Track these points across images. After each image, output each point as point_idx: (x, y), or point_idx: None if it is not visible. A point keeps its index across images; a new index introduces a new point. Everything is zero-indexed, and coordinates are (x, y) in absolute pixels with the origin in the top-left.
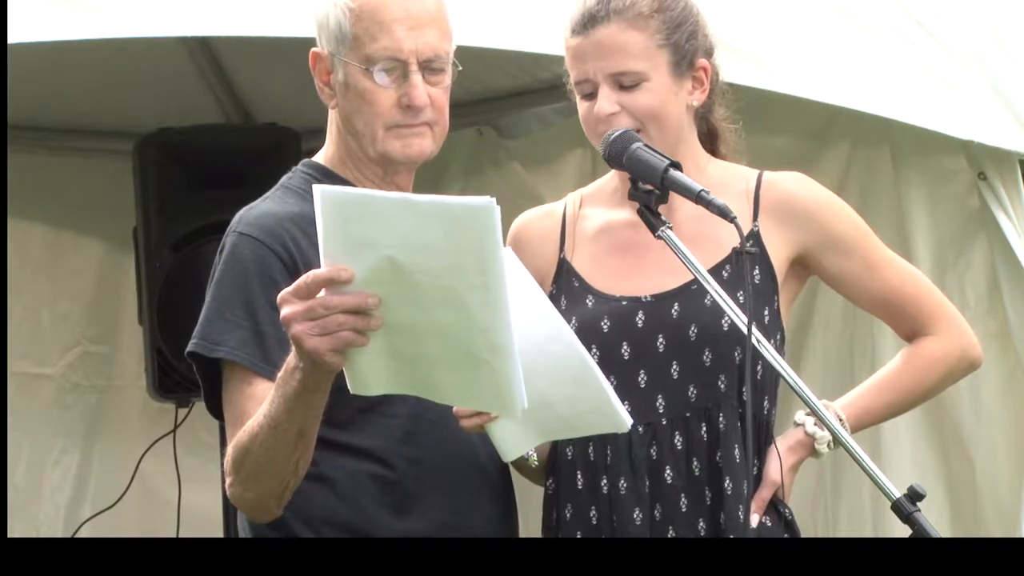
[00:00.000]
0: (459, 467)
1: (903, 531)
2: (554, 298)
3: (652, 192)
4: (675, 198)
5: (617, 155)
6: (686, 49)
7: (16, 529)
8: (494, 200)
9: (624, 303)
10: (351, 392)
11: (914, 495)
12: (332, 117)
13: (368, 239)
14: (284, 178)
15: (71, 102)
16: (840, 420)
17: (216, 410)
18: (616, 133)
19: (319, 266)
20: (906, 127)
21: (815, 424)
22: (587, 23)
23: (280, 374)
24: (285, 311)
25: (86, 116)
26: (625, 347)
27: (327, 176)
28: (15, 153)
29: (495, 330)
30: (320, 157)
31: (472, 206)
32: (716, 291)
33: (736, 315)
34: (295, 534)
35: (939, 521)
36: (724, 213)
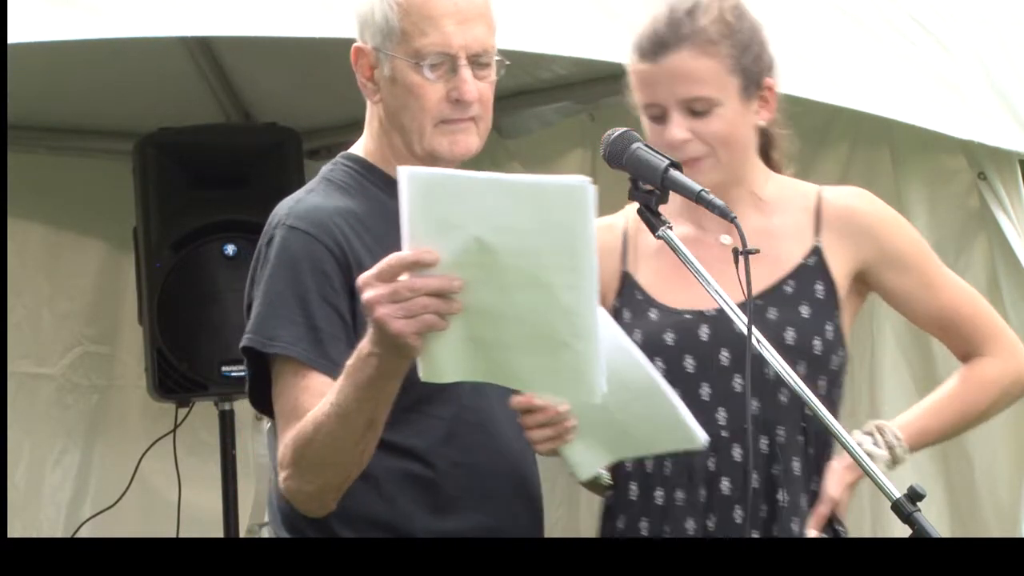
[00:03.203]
0: (498, 472)
1: (903, 531)
2: (617, 311)
3: (652, 192)
4: (737, 213)
5: (617, 155)
6: (754, 71)
7: (16, 529)
8: (589, 180)
9: (688, 316)
10: (422, 379)
11: (914, 495)
12: (373, 112)
13: (455, 220)
14: (325, 170)
15: (71, 102)
16: (898, 440)
17: (261, 404)
18: (616, 133)
19: (368, 262)
20: (906, 127)
21: (873, 443)
22: (657, 50)
23: (351, 362)
24: (368, 294)
25: (86, 116)
26: (689, 360)
27: (369, 170)
28: (15, 153)
29: (581, 312)
30: (359, 150)
31: (567, 185)
32: (716, 291)
33: (737, 316)
34: (335, 532)
35: (939, 521)
36: (724, 213)
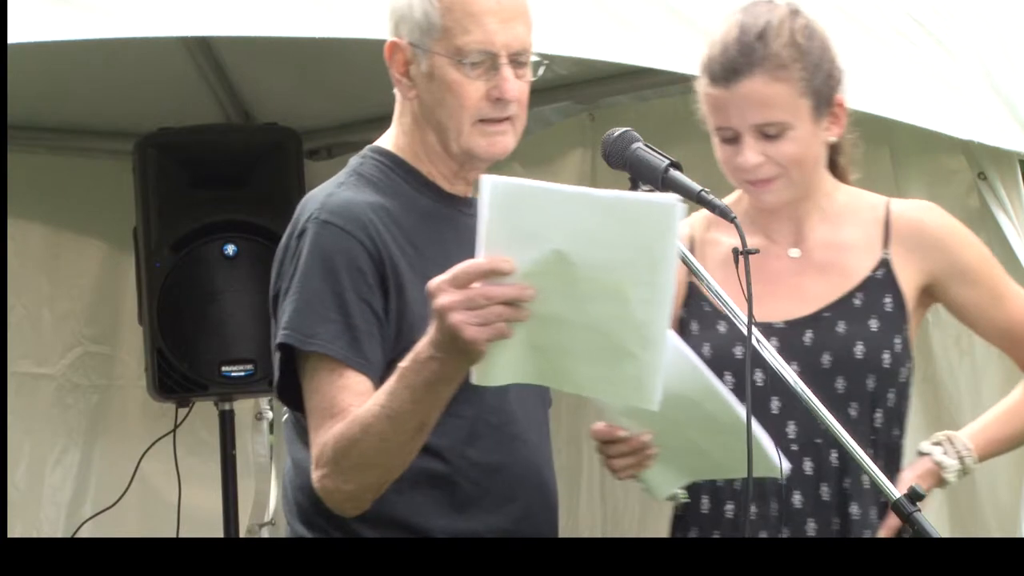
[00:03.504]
0: (518, 475)
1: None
2: (684, 322)
3: (652, 192)
4: (805, 226)
5: (617, 155)
6: (825, 91)
7: (16, 529)
8: (678, 198)
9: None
10: (473, 383)
11: (914, 495)
12: (405, 108)
13: (536, 231)
14: (354, 163)
15: (71, 102)
16: (968, 450)
17: (291, 399)
18: (616, 133)
19: (399, 259)
20: (906, 127)
21: (943, 453)
22: (729, 76)
23: (406, 365)
24: (442, 299)
25: (86, 116)
26: (759, 373)
27: (399, 165)
28: (15, 153)
29: (652, 325)
30: (388, 144)
31: (657, 203)
32: (717, 292)
33: (738, 318)
34: (353, 530)
35: (939, 521)
36: (725, 214)
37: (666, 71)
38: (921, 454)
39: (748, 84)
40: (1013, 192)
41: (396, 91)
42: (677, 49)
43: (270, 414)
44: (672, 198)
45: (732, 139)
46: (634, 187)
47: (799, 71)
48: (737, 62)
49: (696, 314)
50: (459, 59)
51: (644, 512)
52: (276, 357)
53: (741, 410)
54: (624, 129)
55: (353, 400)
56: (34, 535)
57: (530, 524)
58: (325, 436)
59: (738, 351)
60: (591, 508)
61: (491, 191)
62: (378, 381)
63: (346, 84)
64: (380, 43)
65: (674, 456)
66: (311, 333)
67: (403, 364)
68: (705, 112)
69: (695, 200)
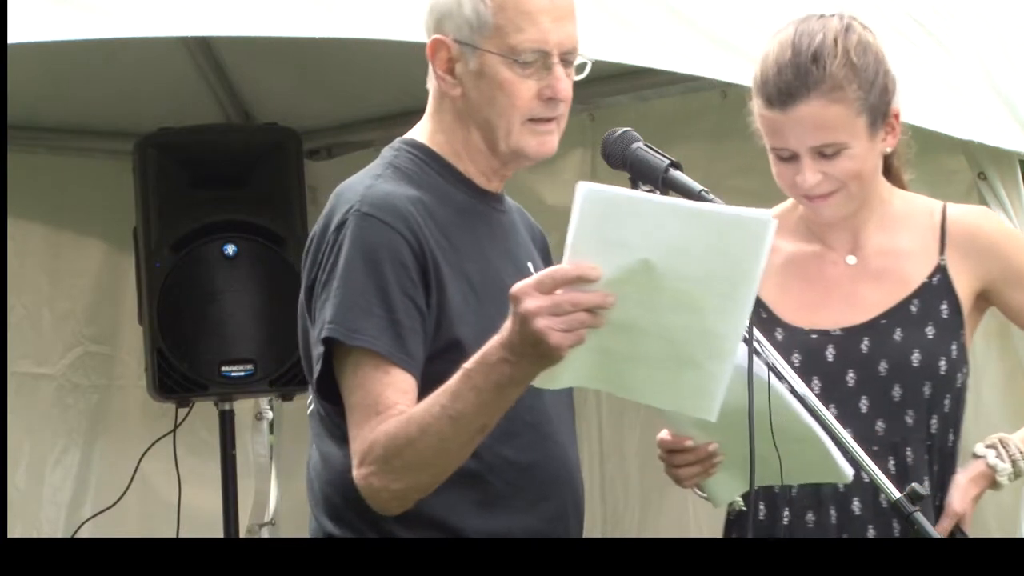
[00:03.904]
0: (550, 474)
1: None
2: None
3: (652, 192)
4: (862, 234)
5: (617, 155)
6: (881, 106)
7: (16, 529)
8: (772, 214)
9: (814, 336)
10: (536, 386)
11: (914, 495)
12: (444, 105)
13: (625, 240)
14: (388, 156)
15: (71, 102)
16: (1021, 453)
17: (329, 394)
18: (616, 133)
19: (438, 253)
20: (906, 127)
21: (996, 456)
22: (785, 99)
23: (473, 367)
24: (529, 304)
25: (86, 116)
26: (815, 381)
27: (434, 159)
28: (15, 153)
29: (725, 338)
30: (423, 138)
31: (752, 218)
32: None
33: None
34: (385, 528)
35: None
36: None
37: (666, 71)
38: (975, 457)
39: (804, 108)
40: (1013, 192)
41: (431, 87)
42: (677, 49)
43: (270, 414)
44: (768, 214)
45: (789, 158)
46: (634, 187)
47: (855, 90)
48: (792, 85)
49: (753, 319)
50: (513, 57)
51: (644, 512)
52: (318, 351)
53: (809, 419)
54: (624, 129)
55: (399, 398)
56: (34, 535)
57: (562, 524)
58: (372, 434)
59: (795, 359)
60: (591, 508)
61: (584, 198)
62: (420, 378)
63: (346, 84)
64: (380, 43)
65: (738, 462)
66: (355, 328)
67: (468, 366)
68: (760, 131)
69: (695, 200)
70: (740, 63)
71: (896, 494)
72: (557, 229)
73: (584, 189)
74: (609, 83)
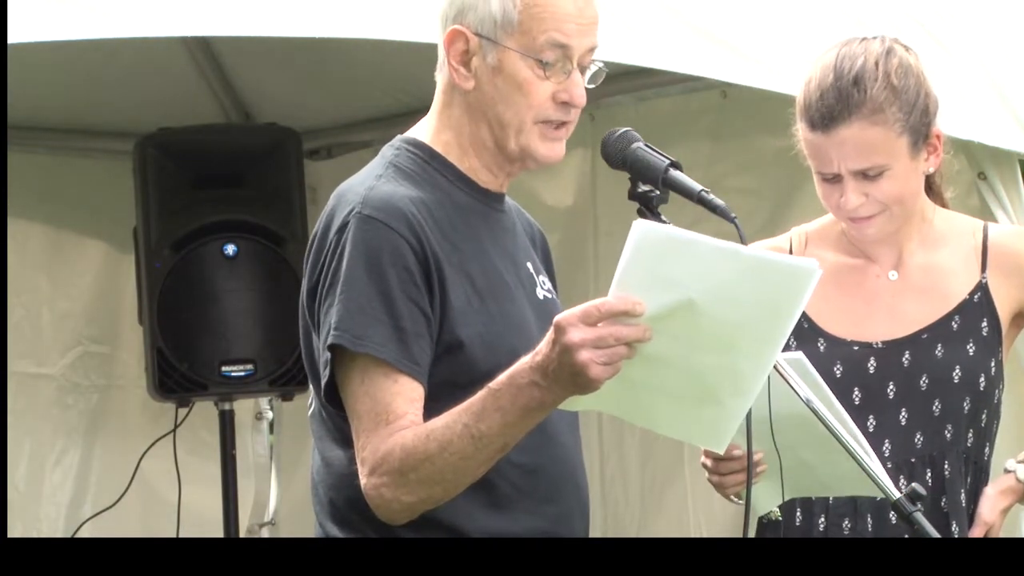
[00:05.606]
0: (556, 476)
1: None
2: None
3: (652, 192)
4: (904, 251)
5: (617, 155)
6: (922, 127)
7: (16, 529)
8: (817, 263)
9: (855, 348)
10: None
11: (914, 495)
12: (453, 100)
13: (674, 279)
14: (388, 155)
15: (71, 102)
16: None
17: (337, 399)
18: (616, 133)
19: (440, 255)
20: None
21: None
22: (827, 122)
23: (499, 388)
24: (574, 336)
25: (86, 116)
26: (856, 392)
27: (435, 159)
28: (15, 153)
29: (752, 378)
30: (424, 136)
31: (799, 267)
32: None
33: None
34: (390, 530)
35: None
36: (725, 214)
37: (666, 71)
38: (1006, 471)
39: (846, 131)
40: (1013, 192)
41: (441, 79)
42: (677, 49)
43: (270, 414)
44: (814, 263)
45: (832, 180)
46: (634, 187)
47: (895, 113)
48: (834, 109)
49: (795, 330)
50: (536, 58)
51: (644, 512)
52: (324, 358)
53: (855, 430)
54: (624, 129)
55: (408, 408)
56: (34, 535)
57: (567, 526)
58: (385, 444)
59: (837, 370)
60: (591, 508)
61: (640, 235)
62: (426, 384)
63: (346, 84)
64: (380, 43)
65: (780, 473)
66: (361, 335)
67: (495, 386)
68: (805, 154)
69: (695, 200)
70: (740, 63)
71: (896, 494)
72: (557, 229)
73: (641, 227)
74: (609, 83)
